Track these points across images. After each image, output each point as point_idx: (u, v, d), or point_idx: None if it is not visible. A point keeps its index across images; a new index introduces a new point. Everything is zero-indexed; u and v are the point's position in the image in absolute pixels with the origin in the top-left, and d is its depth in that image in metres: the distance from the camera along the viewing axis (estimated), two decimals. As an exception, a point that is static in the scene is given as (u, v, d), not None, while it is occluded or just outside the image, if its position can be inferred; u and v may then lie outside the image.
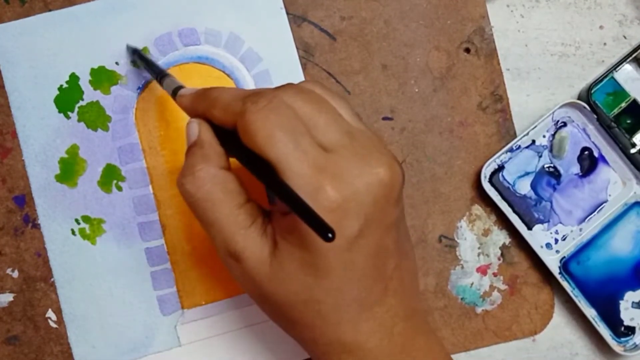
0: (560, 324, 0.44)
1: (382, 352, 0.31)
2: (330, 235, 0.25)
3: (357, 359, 0.31)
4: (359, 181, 0.29)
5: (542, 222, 0.43)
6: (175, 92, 0.35)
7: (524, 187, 0.43)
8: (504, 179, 0.43)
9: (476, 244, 0.43)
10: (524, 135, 0.43)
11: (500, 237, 0.43)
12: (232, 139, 0.31)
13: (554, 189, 0.43)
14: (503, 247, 0.43)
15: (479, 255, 0.43)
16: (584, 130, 0.43)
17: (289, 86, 0.32)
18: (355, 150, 0.30)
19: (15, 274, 0.41)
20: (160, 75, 0.37)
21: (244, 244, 0.30)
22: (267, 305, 0.32)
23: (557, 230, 0.43)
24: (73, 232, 0.42)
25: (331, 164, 0.29)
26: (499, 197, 0.43)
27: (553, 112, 0.43)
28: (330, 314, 0.31)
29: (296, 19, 0.43)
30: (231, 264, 0.31)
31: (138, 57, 0.41)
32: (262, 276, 0.30)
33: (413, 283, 0.34)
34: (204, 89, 0.33)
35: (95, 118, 0.42)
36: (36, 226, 0.42)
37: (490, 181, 0.43)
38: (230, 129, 0.31)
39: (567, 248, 0.43)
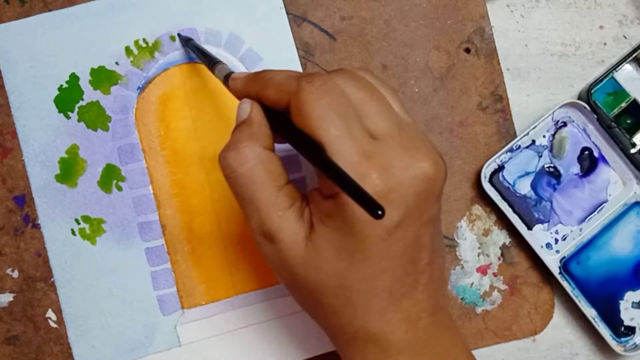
0: (560, 324, 0.44)
1: (407, 345, 0.31)
2: (380, 212, 0.25)
3: (381, 349, 0.31)
4: (404, 173, 0.29)
5: (542, 222, 0.43)
6: (227, 77, 0.35)
7: (524, 187, 0.43)
8: (504, 179, 0.43)
9: (476, 244, 0.43)
10: (524, 135, 0.43)
11: (500, 237, 0.43)
12: (282, 121, 0.31)
13: (554, 189, 0.43)
14: (503, 247, 0.43)
15: (479, 255, 0.43)
16: (584, 130, 0.43)
17: (342, 71, 0.32)
18: (402, 142, 0.30)
19: (15, 274, 0.41)
20: (212, 62, 0.38)
21: (281, 225, 0.31)
22: (297, 289, 0.32)
23: (557, 230, 0.43)
24: (73, 232, 0.42)
25: (379, 153, 0.29)
26: (499, 197, 0.43)
27: (553, 112, 0.43)
28: (360, 301, 0.31)
29: (296, 19, 0.43)
30: (265, 245, 0.31)
31: (191, 46, 0.41)
32: (296, 259, 0.31)
33: (442, 280, 0.34)
34: (257, 72, 0.33)
35: (95, 118, 0.42)
36: (36, 226, 0.42)
37: (490, 181, 0.43)
38: (281, 110, 0.31)
39: (567, 248, 0.43)
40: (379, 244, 0.30)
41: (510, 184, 0.43)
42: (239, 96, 0.34)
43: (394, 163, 0.29)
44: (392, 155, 0.30)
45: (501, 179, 0.43)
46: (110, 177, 0.42)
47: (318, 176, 0.31)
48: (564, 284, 0.42)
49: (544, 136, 0.43)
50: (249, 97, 0.33)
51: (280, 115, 0.32)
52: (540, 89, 0.44)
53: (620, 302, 0.43)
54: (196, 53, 0.40)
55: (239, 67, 0.42)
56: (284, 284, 0.33)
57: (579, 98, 0.44)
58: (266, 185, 0.31)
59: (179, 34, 0.42)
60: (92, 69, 0.42)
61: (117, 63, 0.42)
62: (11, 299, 0.41)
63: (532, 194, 0.43)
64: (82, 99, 0.42)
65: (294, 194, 0.32)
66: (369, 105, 0.31)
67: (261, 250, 0.32)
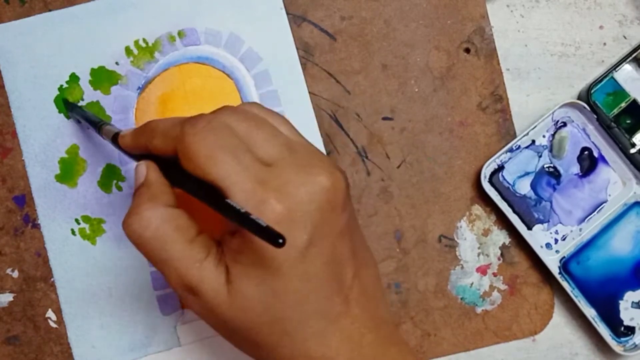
0: (560, 324, 0.44)
1: None
2: (280, 240, 0.25)
3: None
4: (302, 191, 0.29)
5: (542, 222, 0.43)
6: (115, 137, 0.35)
7: (524, 187, 0.43)
8: (504, 179, 0.43)
9: (476, 244, 0.43)
10: (524, 135, 0.43)
11: (500, 237, 0.43)
12: (174, 168, 0.31)
13: (554, 189, 0.43)
14: (503, 247, 0.43)
15: (479, 255, 0.43)
16: (584, 130, 0.43)
17: (225, 108, 0.32)
18: (295, 162, 0.30)
19: (15, 274, 0.41)
20: (98, 124, 0.38)
21: (200, 277, 0.30)
22: (230, 333, 0.32)
23: (557, 230, 0.43)
24: (73, 232, 0.42)
25: (273, 177, 0.29)
26: (499, 197, 0.43)
27: (553, 112, 0.43)
28: (295, 330, 0.30)
29: (296, 19, 0.43)
30: (189, 300, 0.31)
31: (76, 114, 0.41)
32: (222, 306, 0.30)
33: (376, 292, 0.33)
34: (143, 124, 0.33)
35: (95, 118, 0.42)
36: (36, 226, 0.42)
37: (490, 181, 0.43)
38: (172, 159, 0.31)
39: (567, 248, 0.43)
40: (295, 267, 0.29)
41: (510, 184, 0.43)
42: (131, 152, 0.34)
43: (290, 183, 0.29)
44: (286, 176, 0.29)
45: (501, 179, 0.43)
46: (110, 177, 0.42)
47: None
48: (564, 284, 0.42)
49: (544, 136, 0.43)
50: (139, 151, 0.33)
51: (172, 164, 0.31)
52: (540, 89, 0.44)
53: (620, 302, 0.43)
54: (83, 119, 0.40)
55: (239, 67, 0.42)
56: (219, 333, 0.33)
57: (579, 98, 0.44)
58: (177, 242, 0.30)
59: (63, 99, 0.42)
60: (92, 69, 0.42)
61: (117, 63, 0.42)
62: (11, 299, 0.41)
63: (532, 194, 0.43)
64: (82, 99, 0.42)
65: (207, 242, 0.31)
66: (256, 134, 0.30)
67: (187, 305, 0.32)
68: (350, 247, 0.31)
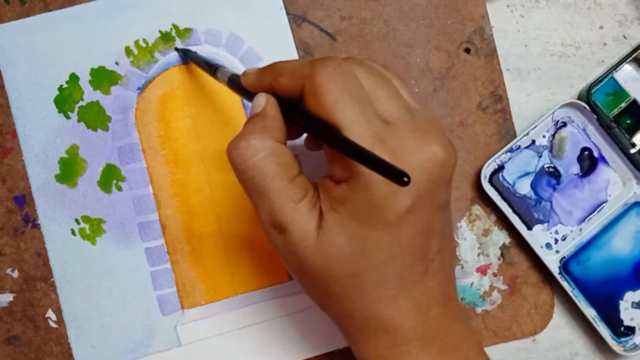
0: (560, 324, 0.44)
1: (417, 334, 0.31)
2: (406, 179, 0.25)
3: (391, 338, 0.31)
4: (416, 158, 0.30)
5: (542, 222, 0.43)
6: (231, 79, 0.36)
7: (524, 187, 0.43)
8: (504, 179, 0.43)
9: (476, 244, 0.43)
10: (524, 135, 0.43)
11: (500, 237, 0.43)
12: (296, 110, 0.31)
13: (554, 189, 0.43)
14: (503, 247, 0.43)
15: (479, 255, 0.43)
16: (584, 130, 0.43)
17: (352, 58, 0.32)
18: (414, 127, 0.30)
19: (15, 274, 0.41)
20: (213, 68, 0.38)
21: (293, 217, 0.30)
22: (307, 279, 0.32)
23: (557, 230, 0.43)
24: (73, 232, 0.42)
25: (391, 137, 0.30)
26: (499, 197, 0.43)
27: (553, 112, 0.43)
28: (371, 288, 0.31)
29: (296, 19, 0.43)
30: (275, 236, 0.31)
31: (191, 57, 0.41)
32: (307, 249, 0.31)
33: (451, 269, 0.34)
34: (269, 64, 0.34)
35: (95, 118, 0.42)
36: (36, 226, 0.42)
37: (490, 181, 0.43)
38: (294, 99, 0.32)
39: (567, 248, 0.43)
40: (390, 229, 0.30)
41: (510, 184, 0.43)
42: (252, 90, 0.34)
43: (406, 148, 0.30)
44: (404, 139, 0.30)
45: (501, 179, 0.43)
46: (110, 177, 0.42)
47: (330, 161, 0.31)
48: (564, 284, 0.42)
49: (544, 136, 0.43)
50: (262, 90, 0.33)
51: (294, 105, 0.32)
52: (540, 89, 0.44)
53: (620, 302, 0.43)
54: (197, 62, 0.41)
55: (239, 67, 0.42)
56: (293, 274, 0.33)
57: (579, 98, 0.44)
58: (278, 178, 0.31)
59: (176, 48, 0.42)
60: (92, 69, 0.42)
61: (117, 63, 0.42)
62: (11, 299, 0.41)
63: (532, 194, 0.43)
64: (82, 99, 0.42)
65: (306, 185, 0.31)
66: (380, 91, 0.31)
67: (270, 241, 0.32)
68: (441, 222, 0.32)
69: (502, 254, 0.43)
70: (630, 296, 0.43)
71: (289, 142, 0.33)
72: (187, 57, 0.42)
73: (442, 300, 0.32)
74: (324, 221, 0.30)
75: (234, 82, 0.35)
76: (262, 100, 0.32)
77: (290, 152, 0.32)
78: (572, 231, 0.43)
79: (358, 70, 0.31)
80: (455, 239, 0.43)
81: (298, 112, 0.31)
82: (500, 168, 0.43)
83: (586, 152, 0.43)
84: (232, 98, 0.43)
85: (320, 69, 0.30)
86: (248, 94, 0.34)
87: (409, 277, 0.31)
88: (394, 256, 0.30)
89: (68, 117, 0.42)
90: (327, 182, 0.31)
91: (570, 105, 0.43)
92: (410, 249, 0.31)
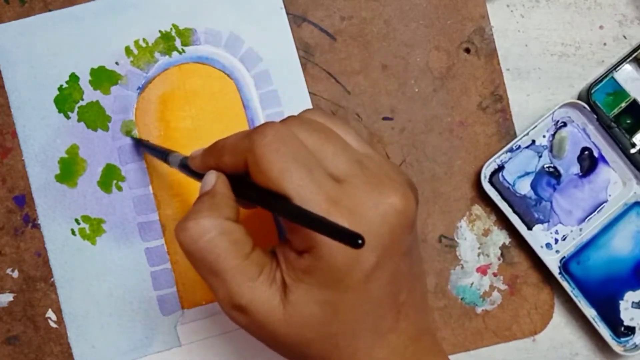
0: (560, 324, 0.44)
1: None
2: (360, 241, 0.25)
3: None
4: (374, 213, 0.29)
5: (542, 222, 0.43)
6: (182, 163, 0.35)
7: (524, 187, 0.43)
8: (504, 179, 0.43)
9: (476, 244, 0.43)
10: (524, 135, 0.43)
11: (500, 237, 0.43)
12: (244, 184, 0.31)
13: (554, 189, 0.43)
14: (503, 247, 0.43)
15: (479, 255, 0.43)
16: (584, 130, 0.43)
17: (291, 118, 0.31)
18: (366, 179, 0.30)
19: (15, 274, 0.41)
20: (164, 154, 0.37)
21: (252, 297, 0.29)
22: (279, 347, 0.32)
23: (557, 230, 0.43)
24: (73, 232, 0.42)
25: (345, 196, 0.29)
26: (499, 197, 0.43)
27: (553, 112, 0.43)
28: (346, 345, 0.30)
29: (296, 19, 0.43)
30: (236, 316, 0.30)
31: (143, 146, 0.41)
32: (275, 323, 0.30)
33: (423, 303, 0.33)
34: (211, 144, 0.33)
35: (95, 118, 0.42)
36: (36, 226, 0.42)
37: (490, 181, 0.43)
38: (241, 174, 0.31)
39: (567, 248, 0.43)
40: (359, 288, 0.29)
41: (510, 184, 0.43)
42: (202, 171, 0.33)
43: (362, 204, 0.29)
44: (358, 195, 0.29)
45: (501, 179, 0.43)
46: (110, 177, 0.42)
47: (288, 232, 0.30)
48: (564, 284, 0.42)
49: (544, 136, 0.43)
50: (211, 169, 0.32)
51: (243, 179, 0.31)
52: (540, 89, 0.44)
53: (620, 302, 0.43)
54: (149, 151, 0.40)
55: (239, 67, 0.42)
56: (266, 345, 0.32)
57: (579, 98, 0.44)
58: (231, 257, 0.29)
59: (132, 137, 0.42)
60: (92, 69, 0.42)
61: (117, 63, 0.42)
62: (11, 299, 0.41)
63: (532, 194, 0.43)
64: (82, 99, 0.42)
65: (262, 259, 0.30)
66: (326, 147, 0.30)
67: (233, 321, 0.31)
68: (409, 264, 0.31)
69: (502, 254, 0.43)
70: (630, 296, 0.43)
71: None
72: (141, 147, 0.41)
73: (416, 337, 0.32)
74: (291, 293, 0.29)
75: (185, 166, 0.35)
76: (212, 177, 0.31)
77: (242, 228, 0.30)
78: (572, 231, 0.43)
79: (299, 130, 0.30)
80: (455, 239, 0.43)
81: (247, 186, 0.30)
82: (500, 168, 0.43)
83: (586, 152, 0.43)
84: (232, 98, 0.43)
85: (258, 140, 0.29)
86: (200, 176, 0.34)
87: (383, 327, 0.31)
88: (366, 312, 0.30)
89: (68, 117, 0.42)
90: (289, 253, 0.30)
91: (570, 105, 0.43)
92: (381, 300, 0.30)
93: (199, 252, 0.29)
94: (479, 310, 0.43)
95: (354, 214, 0.28)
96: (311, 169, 0.29)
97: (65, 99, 0.42)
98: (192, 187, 0.42)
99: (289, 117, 0.32)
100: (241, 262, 0.29)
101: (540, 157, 0.43)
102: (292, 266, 0.30)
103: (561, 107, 0.43)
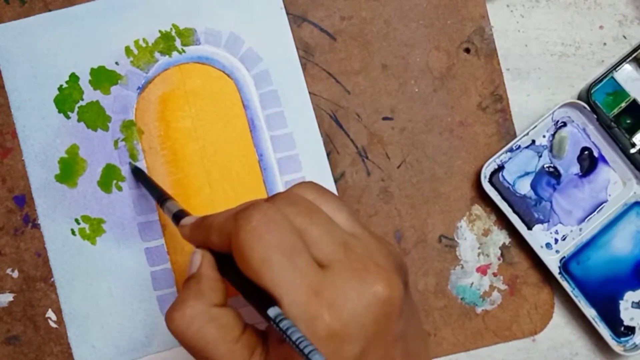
0: (560, 324, 0.44)
1: None
2: None
3: None
4: (357, 303, 0.28)
5: (542, 222, 0.43)
6: (175, 216, 0.35)
7: (524, 187, 0.43)
8: (504, 179, 0.43)
9: (476, 244, 0.43)
10: (524, 135, 0.43)
11: (500, 237, 0.43)
12: (229, 264, 0.30)
13: (554, 189, 0.43)
14: (503, 247, 0.43)
15: (479, 255, 0.43)
16: (584, 130, 0.43)
17: (280, 196, 0.31)
18: (350, 265, 0.29)
19: (15, 274, 0.41)
20: (160, 199, 0.37)
21: None
22: None
23: (557, 230, 0.43)
24: (73, 232, 0.42)
25: (327, 285, 0.28)
26: (499, 197, 0.43)
27: (553, 112, 0.43)
28: None
29: (296, 19, 0.43)
30: None
31: (139, 178, 0.41)
32: None
33: None
34: (201, 218, 0.32)
35: (95, 118, 0.42)
36: (36, 226, 0.42)
37: (490, 181, 0.43)
38: (230, 254, 0.30)
39: (567, 248, 0.43)
40: None
41: (510, 184, 0.43)
42: (191, 243, 0.33)
43: (344, 294, 0.28)
44: (341, 284, 0.28)
45: (501, 179, 0.43)
46: (110, 177, 0.42)
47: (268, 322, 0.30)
48: (564, 284, 0.42)
49: (544, 136, 0.43)
50: (199, 246, 0.32)
51: (230, 261, 0.30)
52: (540, 89, 0.44)
53: (620, 302, 0.43)
54: (144, 185, 0.40)
55: (239, 67, 0.42)
56: None
57: (579, 98, 0.44)
58: (220, 343, 0.29)
59: (130, 162, 0.42)
60: (92, 69, 0.42)
61: (117, 63, 0.42)
62: (11, 299, 0.41)
63: (532, 194, 0.43)
64: (82, 99, 0.42)
65: (252, 342, 0.30)
66: (311, 230, 0.29)
67: None
68: (403, 348, 0.30)
69: (502, 254, 0.43)
70: (630, 296, 0.43)
71: None
72: (138, 179, 0.41)
73: None
74: None
75: (177, 222, 0.35)
76: (197, 258, 0.31)
77: (231, 312, 0.30)
78: (572, 231, 0.43)
79: (287, 210, 0.29)
80: (455, 239, 0.43)
81: (232, 270, 0.30)
82: (500, 168, 0.43)
83: (586, 152, 0.43)
84: (232, 98, 0.43)
85: (244, 224, 0.28)
86: None
87: None
88: None
89: (68, 117, 0.42)
90: (272, 339, 0.30)
91: (570, 105, 0.43)
92: None
93: (189, 341, 0.29)
94: (479, 310, 0.43)
95: (336, 306, 0.28)
96: (295, 257, 0.28)
97: (65, 99, 0.42)
98: (192, 187, 0.42)
99: (278, 194, 0.31)
100: (231, 347, 0.29)
101: (540, 157, 0.43)
102: (275, 352, 0.29)
103: (561, 107, 0.43)
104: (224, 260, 0.31)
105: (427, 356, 0.33)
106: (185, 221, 0.34)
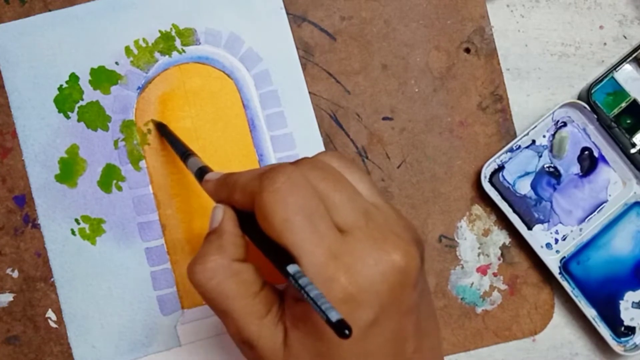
0: (560, 324, 0.44)
1: None
2: (347, 332, 0.25)
3: None
4: (374, 270, 0.28)
5: (542, 222, 0.43)
6: (198, 172, 0.35)
7: (524, 187, 0.43)
8: (504, 179, 0.43)
9: (476, 244, 0.43)
10: (524, 135, 0.43)
11: (500, 237, 0.43)
12: (251, 223, 0.30)
13: (554, 189, 0.43)
14: (503, 247, 0.43)
15: (479, 255, 0.43)
16: (584, 130, 0.43)
17: (305, 161, 0.31)
18: (370, 233, 0.29)
19: (15, 274, 0.41)
20: (184, 155, 0.37)
21: (259, 334, 0.30)
22: None
23: (557, 230, 0.43)
24: (73, 232, 0.42)
25: (346, 250, 0.28)
26: (499, 197, 0.43)
27: (553, 112, 0.43)
28: None
29: (296, 19, 0.43)
30: (245, 351, 0.31)
31: (163, 133, 0.41)
32: None
33: (436, 357, 0.33)
34: (226, 175, 0.33)
35: (95, 118, 0.42)
36: (36, 226, 0.42)
37: (490, 181, 0.43)
38: (252, 212, 0.30)
39: (567, 248, 0.43)
40: (356, 345, 0.29)
41: (510, 184, 0.43)
42: (213, 199, 0.33)
43: (362, 260, 0.28)
44: (359, 250, 0.28)
45: (501, 179, 0.43)
46: (110, 177, 0.42)
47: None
48: (564, 284, 0.42)
49: (544, 136, 0.43)
50: (221, 201, 0.32)
51: (251, 220, 0.30)
52: (540, 89, 0.44)
53: (620, 302, 0.43)
54: (168, 141, 0.40)
55: (239, 67, 0.42)
56: None
57: (579, 98, 0.44)
58: (239, 297, 0.30)
59: (152, 119, 0.42)
60: (92, 69, 0.42)
61: (117, 63, 0.42)
62: (11, 299, 0.41)
63: (532, 194, 0.43)
64: (82, 99, 0.42)
65: (270, 298, 0.30)
66: (333, 196, 0.29)
67: (243, 354, 0.31)
68: (415, 322, 0.30)
69: (502, 254, 0.43)
70: (631, 296, 0.43)
71: None
72: (162, 134, 0.41)
73: None
74: (288, 338, 0.29)
75: (200, 177, 0.35)
76: (219, 214, 0.32)
77: (251, 267, 0.31)
78: (572, 231, 0.43)
79: (311, 175, 0.29)
80: (455, 239, 0.43)
81: (253, 228, 0.30)
82: (500, 168, 0.43)
83: (586, 152, 0.43)
84: (232, 98, 0.43)
85: (268, 185, 0.29)
86: None
87: None
88: None
89: (68, 117, 0.42)
90: (289, 297, 0.30)
91: (570, 105, 0.43)
92: (382, 356, 0.29)
93: (209, 294, 0.30)
94: (479, 310, 0.43)
95: (352, 271, 0.28)
96: (315, 220, 0.28)
97: (65, 99, 0.42)
98: (192, 187, 0.42)
99: (304, 159, 0.31)
100: (250, 302, 0.30)
101: (540, 157, 0.43)
102: (290, 310, 0.30)
103: (561, 107, 0.43)
104: (246, 217, 0.31)
105: (437, 339, 0.33)
106: (210, 176, 0.34)
